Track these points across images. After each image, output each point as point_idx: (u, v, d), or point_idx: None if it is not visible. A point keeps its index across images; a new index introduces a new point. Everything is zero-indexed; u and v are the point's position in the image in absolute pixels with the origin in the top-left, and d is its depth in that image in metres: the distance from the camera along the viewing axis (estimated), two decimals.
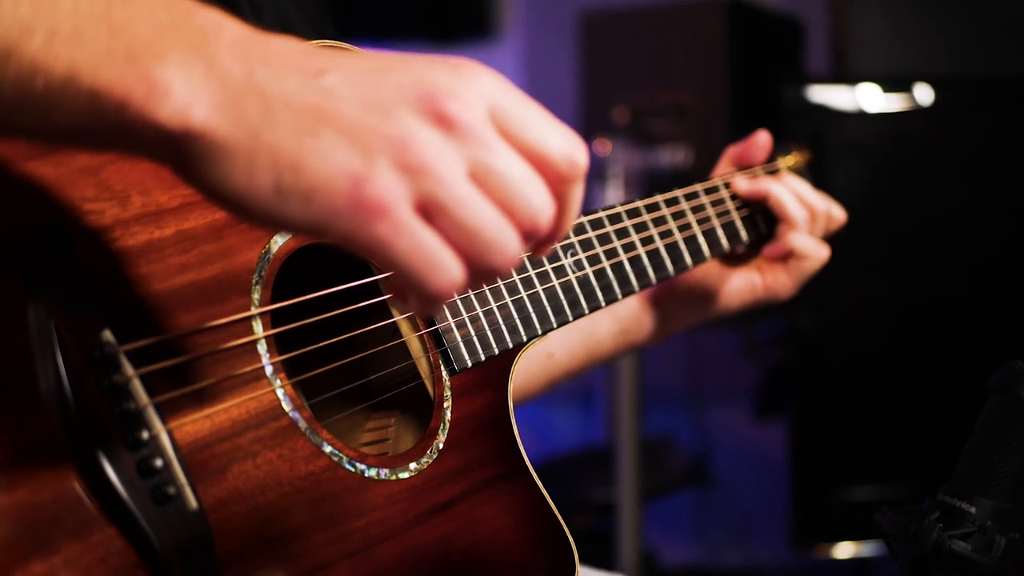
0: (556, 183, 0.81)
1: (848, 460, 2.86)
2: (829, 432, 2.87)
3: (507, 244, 0.77)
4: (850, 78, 3.20)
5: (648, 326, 1.57)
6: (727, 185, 1.51)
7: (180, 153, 0.75)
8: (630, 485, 3.27)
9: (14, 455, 0.80)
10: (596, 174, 3.39)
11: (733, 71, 3.49)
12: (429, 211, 0.76)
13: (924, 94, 2.81)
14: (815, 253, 1.51)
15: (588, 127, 3.63)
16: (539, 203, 0.79)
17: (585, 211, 1.27)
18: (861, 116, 2.82)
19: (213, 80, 0.74)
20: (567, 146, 0.81)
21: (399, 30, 5.92)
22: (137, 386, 0.86)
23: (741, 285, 1.54)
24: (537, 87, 5.82)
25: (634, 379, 3.28)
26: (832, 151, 2.77)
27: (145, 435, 0.85)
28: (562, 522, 1.14)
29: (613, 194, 3.37)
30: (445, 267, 0.76)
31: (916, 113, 2.83)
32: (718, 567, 4.03)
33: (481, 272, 0.78)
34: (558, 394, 1.45)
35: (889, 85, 2.84)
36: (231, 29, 0.77)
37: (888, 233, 2.76)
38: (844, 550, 2.92)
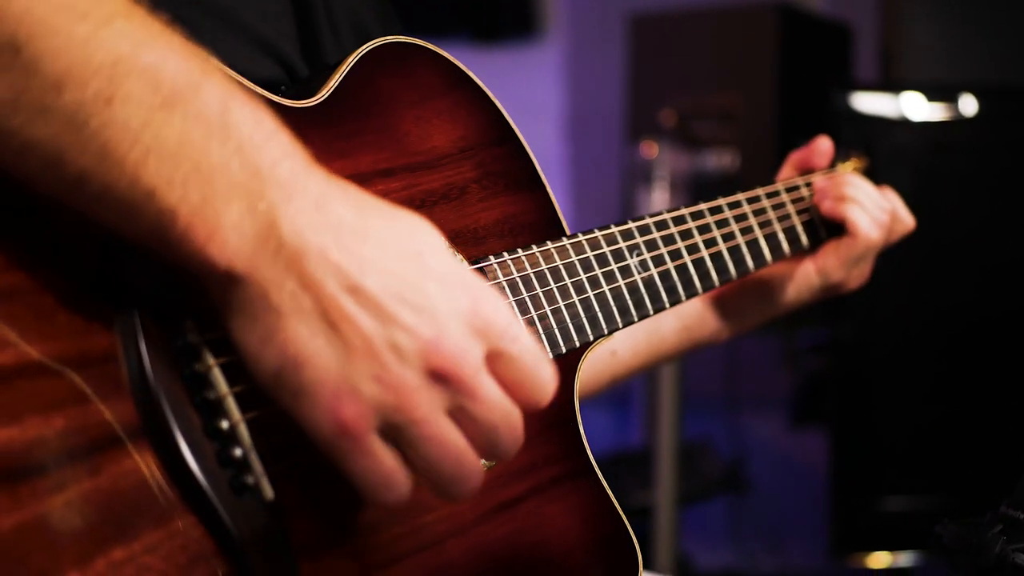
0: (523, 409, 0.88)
1: (886, 469, 2.85)
2: (868, 441, 2.86)
3: (465, 481, 0.85)
4: (896, 86, 3.18)
5: (711, 324, 1.57)
6: (788, 190, 1.51)
7: (216, 287, 0.82)
8: (667, 489, 3.26)
9: (96, 441, 0.81)
10: (642, 177, 3.39)
11: (781, 76, 3.47)
12: (397, 441, 0.83)
13: (968, 104, 2.79)
14: (865, 232, 1.49)
15: (634, 129, 3.62)
16: (507, 446, 0.87)
17: (639, 215, 1.28)
18: (905, 124, 2.81)
19: (267, 247, 0.80)
20: (543, 389, 0.89)
21: (443, 29, 5.94)
22: (217, 375, 0.87)
23: (796, 277, 1.53)
24: (581, 88, 5.83)
25: (674, 383, 3.28)
26: (877, 158, 2.76)
27: (225, 424, 0.86)
28: (627, 523, 1.14)
29: (659, 197, 3.36)
30: (394, 489, 0.84)
31: (960, 123, 2.82)
32: (753, 573, 4.02)
33: (441, 495, 0.86)
34: (588, 400, 1.45)
35: (934, 94, 2.83)
36: (300, 199, 0.82)
37: (930, 242, 2.75)
38: (880, 560, 2.91)
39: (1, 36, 0.76)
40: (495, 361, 0.86)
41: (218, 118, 0.80)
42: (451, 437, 0.84)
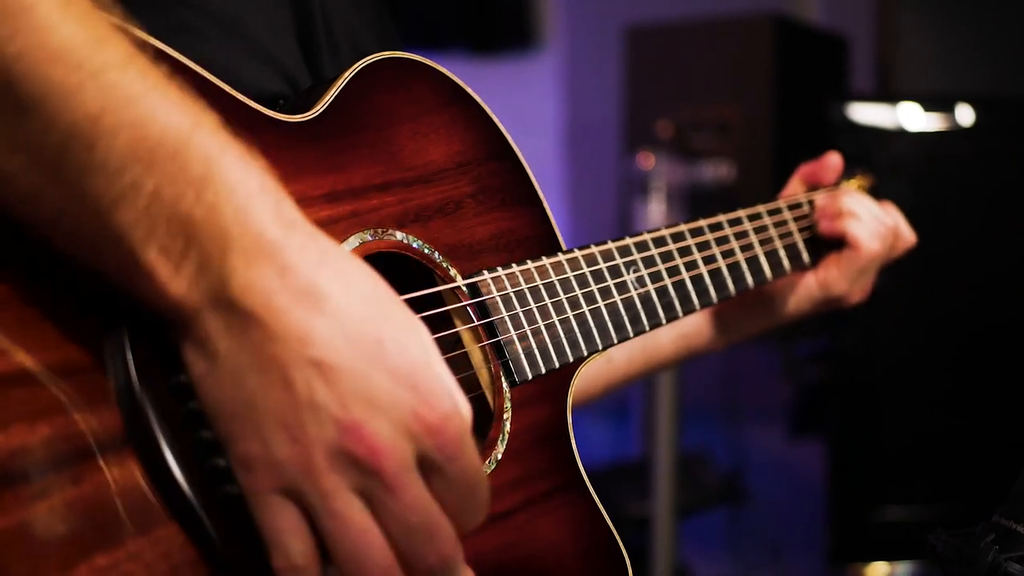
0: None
1: (885, 479, 2.85)
2: (866, 451, 2.86)
3: (368, 566, 0.83)
4: (893, 97, 3.19)
5: (709, 333, 1.57)
6: (790, 207, 1.51)
7: (169, 314, 0.83)
8: (665, 500, 3.26)
9: (81, 449, 0.81)
10: (639, 188, 3.39)
11: (778, 87, 3.48)
12: (305, 507, 0.82)
13: (965, 115, 2.80)
14: (866, 244, 1.50)
15: (631, 140, 3.63)
16: (423, 550, 0.84)
17: (635, 229, 1.28)
18: (902, 135, 2.82)
19: (222, 297, 0.81)
20: (474, 515, 0.87)
21: (441, 41, 5.95)
22: None
23: (797, 289, 1.53)
24: (578, 99, 5.84)
25: (673, 393, 3.28)
26: (875, 169, 2.76)
27: (208, 435, 0.86)
28: (618, 537, 1.14)
29: (656, 208, 3.37)
30: (282, 550, 0.83)
31: (957, 133, 2.82)
32: None
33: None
34: (593, 407, 1.46)
35: (930, 105, 2.83)
36: (265, 263, 0.82)
37: (928, 252, 2.75)
38: (879, 570, 2.91)
39: None
40: (430, 472, 0.84)
41: (199, 174, 0.81)
42: (354, 516, 0.82)
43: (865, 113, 2.81)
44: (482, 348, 1.13)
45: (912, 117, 2.82)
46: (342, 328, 0.82)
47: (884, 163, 2.78)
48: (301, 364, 0.81)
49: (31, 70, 0.77)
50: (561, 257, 1.18)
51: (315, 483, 0.81)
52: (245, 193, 0.82)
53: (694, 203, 3.37)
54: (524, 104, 5.47)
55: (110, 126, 0.79)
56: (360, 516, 0.83)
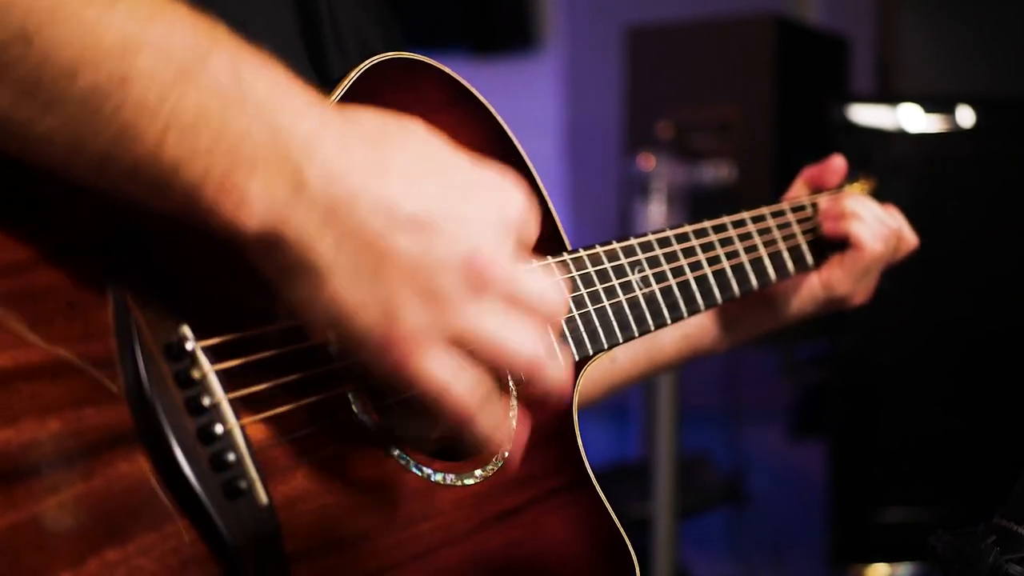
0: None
1: (885, 481, 2.85)
2: (867, 452, 2.86)
3: (540, 356, 0.90)
4: (893, 98, 3.19)
5: (712, 334, 1.57)
6: (794, 209, 1.51)
7: (255, 251, 0.84)
8: (666, 501, 3.26)
9: (91, 444, 0.81)
10: (640, 189, 3.39)
11: (778, 88, 3.48)
12: (457, 343, 0.87)
13: (966, 116, 2.80)
14: (870, 245, 1.50)
15: (632, 141, 3.63)
16: (551, 319, 0.92)
17: (636, 230, 1.28)
18: (903, 136, 2.82)
19: (301, 203, 0.82)
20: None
21: (442, 42, 5.95)
22: (213, 381, 0.88)
23: (801, 289, 1.53)
24: (578, 100, 5.84)
25: (673, 395, 3.28)
26: (875, 170, 2.76)
27: (219, 429, 0.86)
28: (624, 535, 1.14)
29: (656, 208, 3.37)
30: (462, 391, 0.87)
31: (957, 134, 2.82)
32: None
33: (535, 381, 0.91)
34: (593, 408, 1.46)
35: (931, 106, 2.83)
36: (324, 142, 0.84)
37: (928, 253, 2.76)
38: (879, 571, 2.91)
39: (10, 28, 0.76)
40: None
41: (232, 85, 0.82)
42: (510, 323, 0.88)
43: (865, 114, 2.81)
44: None
45: (912, 118, 2.82)
46: (409, 178, 0.86)
47: (884, 164, 2.78)
48: (398, 229, 0.84)
49: (47, 16, 0.77)
50: (566, 256, 1.18)
51: (469, 320, 0.86)
52: (278, 93, 0.84)
53: (694, 204, 3.37)
54: (524, 105, 5.47)
55: (136, 54, 0.79)
56: (513, 322, 0.89)
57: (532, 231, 0.92)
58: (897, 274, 1.63)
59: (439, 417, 0.89)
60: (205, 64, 0.81)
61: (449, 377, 0.86)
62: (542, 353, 0.90)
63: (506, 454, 1.09)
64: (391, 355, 0.85)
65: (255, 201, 0.81)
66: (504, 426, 0.91)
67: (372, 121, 0.88)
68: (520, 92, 5.65)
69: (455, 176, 0.89)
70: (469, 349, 0.87)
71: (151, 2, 0.81)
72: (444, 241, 0.85)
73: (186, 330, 0.87)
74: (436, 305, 0.85)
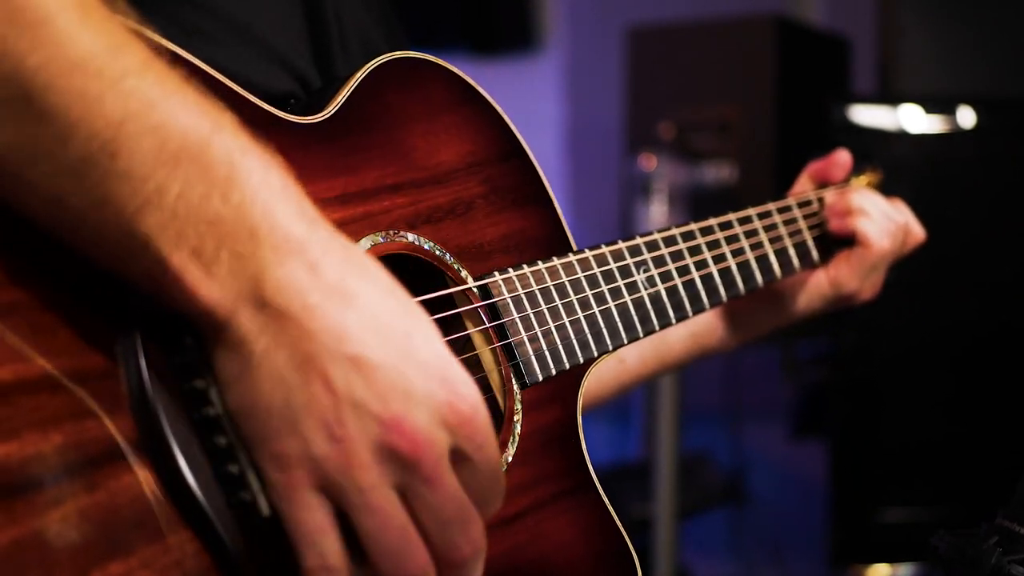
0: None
1: (886, 481, 2.85)
2: (868, 452, 2.86)
3: (408, 562, 0.84)
4: (894, 98, 3.19)
5: (719, 332, 1.57)
6: (800, 205, 1.51)
7: (202, 324, 0.83)
8: (667, 501, 3.27)
9: (94, 457, 0.81)
10: (641, 189, 3.40)
11: (779, 88, 3.48)
12: (341, 505, 0.83)
13: (967, 116, 2.80)
14: (877, 242, 1.50)
15: (633, 141, 3.63)
16: (459, 542, 0.86)
17: (637, 230, 1.28)
18: (904, 136, 2.82)
19: (250, 303, 0.82)
20: (492, 505, 0.89)
21: (443, 42, 5.94)
22: (216, 393, 0.87)
23: (808, 286, 1.53)
24: (580, 100, 5.84)
25: (673, 395, 3.28)
26: (882, 172, 2.76)
27: (223, 441, 0.86)
28: (628, 540, 1.14)
29: (658, 209, 3.37)
30: (316, 549, 0.83)
31: (958, 135, 2.82)
32: None
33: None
34: (595, 408, 1.46)
35: (932, 106, 2.83)
36: (293, 263, 0.83)
37: (930, 253, 2.76)
38: (880, 571, 2.91)
39: (16, 87, 0.77)
40: (458, 463, 0.85)
41: (223, 175, 0.82)
42: (395, 512, 0.83)
43: (866, 115, 2.81)
44: (493, 350, 1.13)
45: (913, 119, 2.82)
46: (374, 323, 0.84)
47: (885, 165, 2.75)
48: (338, 360, 0.82)
49: (52, 81, 0.77)
50: (572, 257, 1.18)
51: (355, 479, 0.82)
52: (269, 192, 0.83)
53: (696, 204, 3.37)
54: (525, 105, 5.46)
55: (133, 132, 0.79)
56: (399, 512, 0.83)
57: (476, 445, 0.86)
58: (899, 274, 1.63)
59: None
60: (201, 152, 0.81)
61: (315, 527, 0.83)
62: (418, 565, 0.84)
63: (509, 459, 1.09)
64: (275, 472, 0.83)
65: (212, 287, 0.81)
66: None
67: (361, 258, 0.87)
68: (521, 92, 5.64)
69: (418, 350, 0.85)
70: (348, 515, 0.83)
71: (160, 84, 0.82)
72: (375, 395, 0.82)
73: (189, 341, 0.87)
74: (339, 450, 0.81)
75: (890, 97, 3.55)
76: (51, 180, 0.79)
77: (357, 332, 0.83)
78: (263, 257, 0.82)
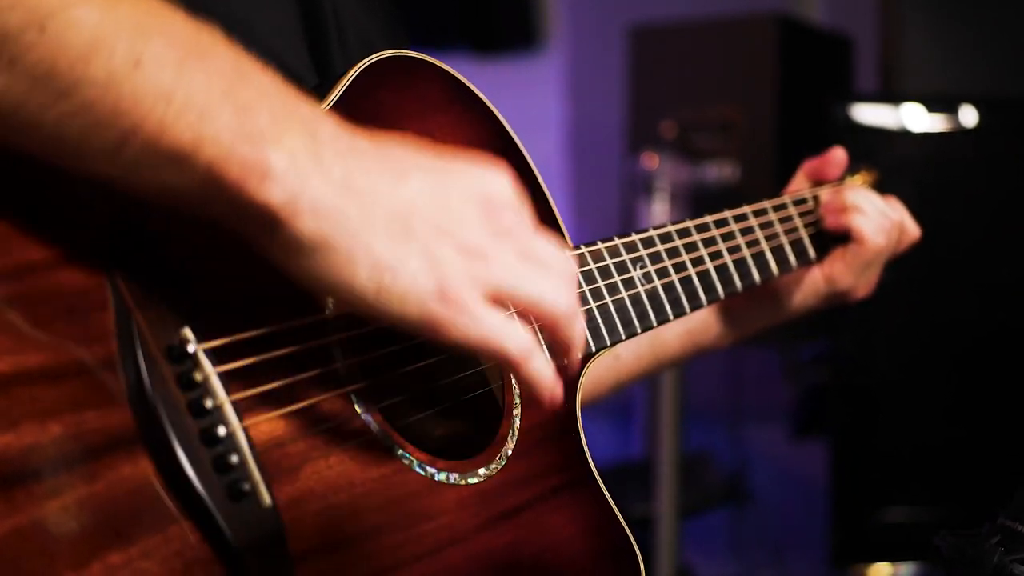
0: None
1: (887, 480, 2.85)
2: (868, 452, 2.86)
3: (570, 297, 0.93)
4: (896, 98, 3.19)
5: (715, 329, 1.57)
6: (795, 203, 1.51)
7: (279, 236, 0.83)
8: (668, 500, 3.26)
9: (92, 448, 0.81)
10: (643, 188, 3.39)
11: (781, 87, 3.48)
12: (502, 297, 0.89)
13: (969, 115, 2.80)
14: (871, 239, 1.50)
15: (635, 141, 3.62)
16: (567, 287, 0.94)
17: (640, 227, 1.28)
18: (906, 136, 2.81)
19: (321, 174, 0.83)
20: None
21: (443, 41, 5.94)
22: (215, 383, 0.88)
23: (804, 283, 1.53)
24: (581, 99, 5.83)
25: (675, 394, 3.28)
26: (878, 171, 2.75)
27: (222, 431, 0.86)
28: (629, 533, 1.15)
29: (659, 208, 3.37)
30: (514, 336, 0.89)
31: (960, 134, 2.82)
32: None
33: (561, 333, 0.93)
34: (596, 407, 1.46)
35: (934, 105, 2.83)
36: (326, 123, 0.86)
37: (930, 253, 2.76)
38: (881, 571, 2.91)
39: (23, 16, 0.77)
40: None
41: (234, 70, 0.83)
42: (541, 267, 0.91)
43: (868, 114, 2.80)
44: None
45: (915, 118, 2.81)
46: (411, 155, 0.90)
47: (887, 164, 2.75)
48: (416, 189, 0.87)
49: (56, 3, 0.78)
50: (568, 253, 1.18)
51: (499, 265, 0.89)
52: (279, 82, 0.87)
53: (697, 203, 3.37)
54: (527, 105, 5.46)
55: (145, 36, 0.80)
56: (537, 274, 0.91)
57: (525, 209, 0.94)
58: (899, 274, 1.63)
59: (495, 363, 0.95)
60: (211, 50, 0.83)
61: (503, 321, 0.88)
62: (573, 304, 0.93)
63: (508, 453, 1.09)
64: (446, 308, 0.86)
65: (282, 171, 0.81)
66: (549, 364, 0.93)
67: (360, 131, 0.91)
68: (523, 92, 5.64)
69: (446, 169, 0.91)
70: (505, 301, 0.90)
71: (150, 2, 0.82)
72: (460, 199, 0.88)
73: (188, 332, 0.87)
74: (472, 257, 0.87)
75: (892, 96, 3.54)
76: (83, 107, 0.79)
77: (409, 162, 0.90)
78: (312, 125, 0.86)
